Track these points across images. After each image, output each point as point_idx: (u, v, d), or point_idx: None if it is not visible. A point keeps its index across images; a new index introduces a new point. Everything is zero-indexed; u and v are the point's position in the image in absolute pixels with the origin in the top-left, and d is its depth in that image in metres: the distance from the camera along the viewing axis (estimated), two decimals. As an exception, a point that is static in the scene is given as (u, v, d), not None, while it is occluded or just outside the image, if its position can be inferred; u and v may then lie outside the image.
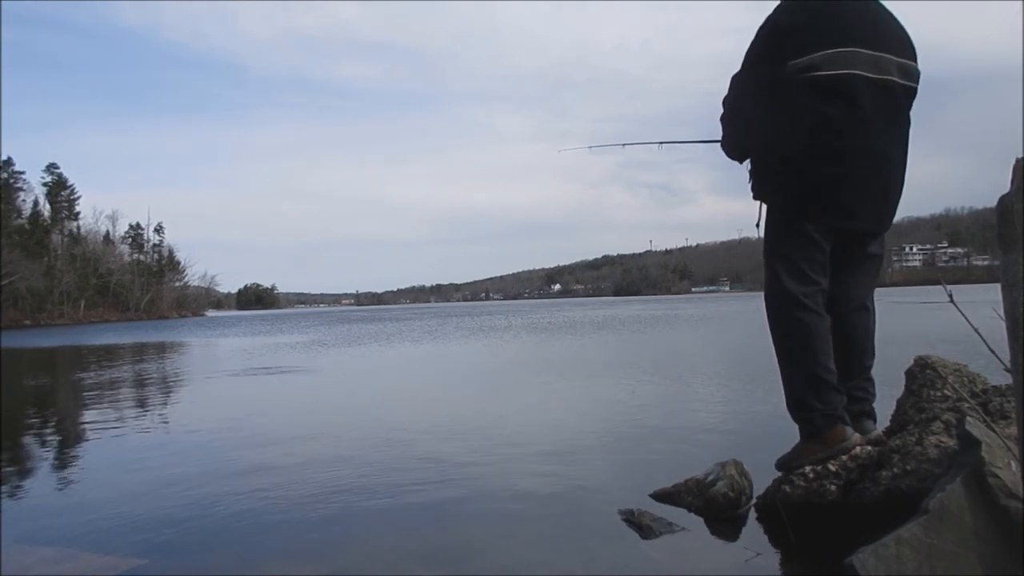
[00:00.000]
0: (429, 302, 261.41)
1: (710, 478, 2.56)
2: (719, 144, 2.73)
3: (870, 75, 2.30)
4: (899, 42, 2.39)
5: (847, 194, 2.34)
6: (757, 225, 2.53)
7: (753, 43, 2.47)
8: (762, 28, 2.44)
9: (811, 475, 2.28)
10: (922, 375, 2.60)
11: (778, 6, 2.48)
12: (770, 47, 2.41)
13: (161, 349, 15.63)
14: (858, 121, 2.30)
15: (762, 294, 2.54)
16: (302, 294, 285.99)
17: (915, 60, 2.42)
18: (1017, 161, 1.32)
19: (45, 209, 72.03)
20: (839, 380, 2.37)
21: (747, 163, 2.59)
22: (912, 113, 2.47)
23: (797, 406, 2.40)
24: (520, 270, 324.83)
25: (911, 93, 2.42)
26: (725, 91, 2.61)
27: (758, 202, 2.54)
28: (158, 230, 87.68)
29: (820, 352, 2.34)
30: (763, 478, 2.50)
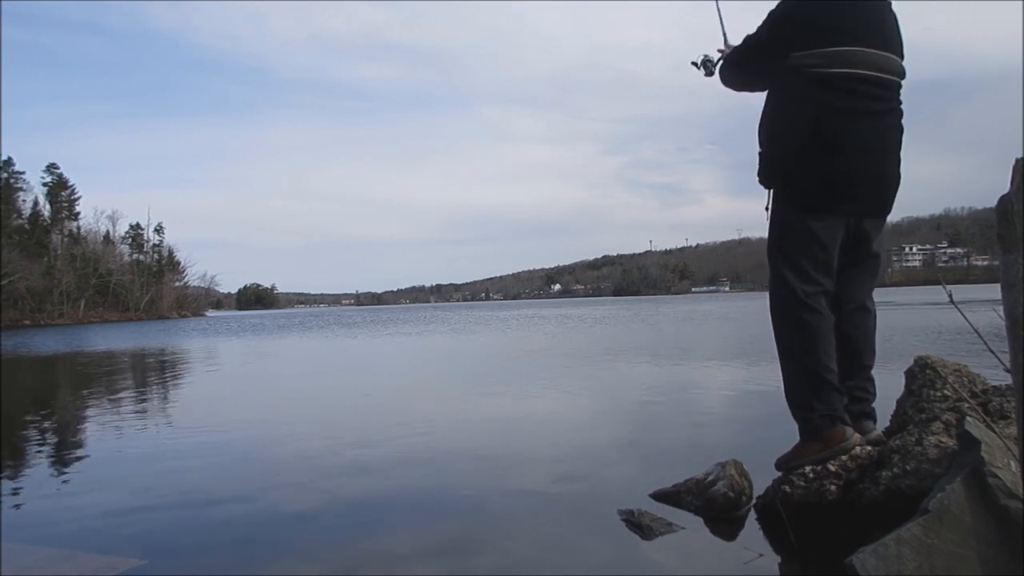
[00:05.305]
0: (429, 302, 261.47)
1: (710, 478, 2.56)
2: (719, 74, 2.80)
3: (871, 73, 2.34)
4: (899, 40, 2.44)
5: (849, 185, 2.36)
6: (767, 208, 2.54)
7: (763, 28, 2.49)
8: (773, 15, 2.47)
9: (811, 475, 2.28)
10: (922, 375, 2.60)
11: None
12: (779, 37, 2.44)
13: (161, 352, 15.64)
14: (858, 116, 2.34)
15: (762, 294, 2.55)
16: (302, 294, 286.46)
17: (903, 55, 2.47)
18: (1017, 161, 1.32)
19: (45, 209, 72.05)
20: (839, 380, 2.37)
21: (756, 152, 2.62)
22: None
23: (797, 405, 2.40)
24: (520, 270, 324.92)
25: (900, 87, 2.47)
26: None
27: (765, 188, 2.56)
28: (158, 230, 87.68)
29: (822, 352, 2.35)
30: (763, 478, 2.50)
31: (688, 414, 4.68)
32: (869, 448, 2.30)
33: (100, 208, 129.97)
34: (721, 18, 2.89)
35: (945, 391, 2.46)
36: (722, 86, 2.79)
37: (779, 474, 2.41)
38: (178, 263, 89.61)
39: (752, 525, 2.37)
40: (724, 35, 2.85)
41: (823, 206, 2.37)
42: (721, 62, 2.78)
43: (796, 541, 2.12)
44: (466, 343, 13.91)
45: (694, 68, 2.89)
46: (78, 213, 75.69)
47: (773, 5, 2.49)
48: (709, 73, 2.85)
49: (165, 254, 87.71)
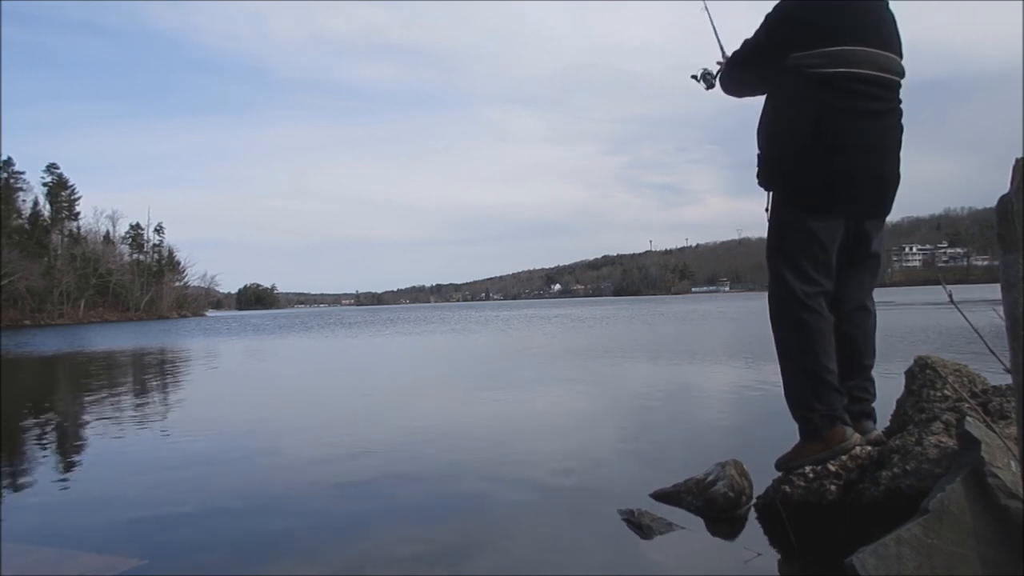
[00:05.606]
0: (429, 302, 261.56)
1: (710, 478, 2.56)
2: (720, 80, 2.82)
3: (871, 72, 2.34)
4: (898, 39, 2.44)
5: (849, 185, 2.36)
6: (767, 210, 2.54)
7: (761, 30, 2.49)
8: (773, 16, 2.47)
9: (811, 475, 2.28)
10: (922, 375, 2.60)
11: None
12: (778, 38, 2.44)
13: (162, 352, 15.63)
14: (858, 116, 2.34)
15: (761, 294, 2.55)
16: (302, 294, 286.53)
17: (902, 55, 2.47)
18: (1017, 161, 1.32)
19: (45, 209, 72.01)
20: (839, 380, 2.37)
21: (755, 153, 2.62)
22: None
23: (797, 406, 2.41)
24: (520, 270, 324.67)
25: (899, 86, 2.47)
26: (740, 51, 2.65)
27: (765, 190, 2.56)
28: (158, 230, 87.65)
29: (821, 352, 2.35)
30: (763, 478, 2.50)
31: (688, 414, 4.68)
32: (869, 448, 2.30)
33: (100, 208, 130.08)
34: (716, 31, 2.90)
35: (945, 391, 2.46)
36: (723, 91, 2.80)
37: (779, 474, 2.41)
38: (178, 263, 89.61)
39: (752, 525, 2.37)
40: (721, 47, 2.86)
41: (823, 206, 2.37)
42: (720, 72, 2.79)
43: (796, 541, 2.12)
44: (466, 343, 13.91)
45: (694, 82, 2.90)
46: (78, 213, 75.75)
47: (768, 8, 2.50)
48: (710, 86, 2.87)
49: (165, 254, 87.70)
